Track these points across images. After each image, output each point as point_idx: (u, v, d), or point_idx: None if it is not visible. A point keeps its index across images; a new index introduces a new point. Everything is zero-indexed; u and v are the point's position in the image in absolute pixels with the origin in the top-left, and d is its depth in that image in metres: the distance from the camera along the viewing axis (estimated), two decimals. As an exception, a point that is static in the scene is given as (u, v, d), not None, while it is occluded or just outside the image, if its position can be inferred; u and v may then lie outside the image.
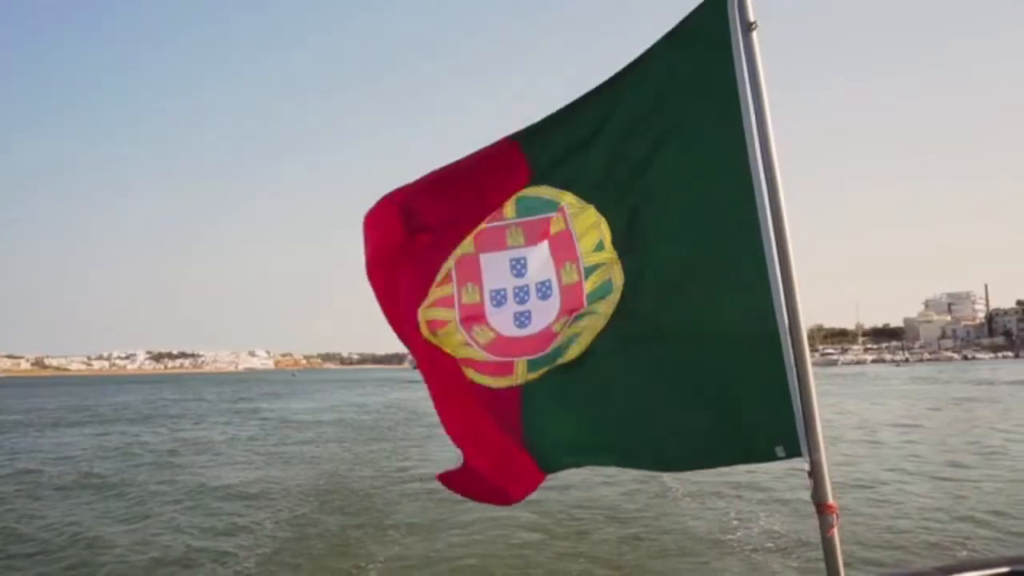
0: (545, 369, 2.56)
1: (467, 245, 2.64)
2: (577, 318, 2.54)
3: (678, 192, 2.43)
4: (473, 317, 2.61)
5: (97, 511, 12.73)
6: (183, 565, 9.18)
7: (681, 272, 2.43)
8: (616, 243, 2.54)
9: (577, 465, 2.63)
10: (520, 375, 2.58)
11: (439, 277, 2.65)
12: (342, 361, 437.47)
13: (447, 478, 2.68)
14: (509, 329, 2.60)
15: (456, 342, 2.64)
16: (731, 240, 2.30)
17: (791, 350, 2.18)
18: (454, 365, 2.66)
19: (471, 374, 2.64)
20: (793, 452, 2.21)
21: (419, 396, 47.78)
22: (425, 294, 2.65)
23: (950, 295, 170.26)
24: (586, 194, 2.58)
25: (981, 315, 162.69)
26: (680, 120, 2.42)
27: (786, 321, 2.19)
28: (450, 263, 2.66)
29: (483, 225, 2.65)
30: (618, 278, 2.53)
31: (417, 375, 2.68)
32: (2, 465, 19.09)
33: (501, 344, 2.60)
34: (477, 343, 2.60)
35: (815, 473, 2.14)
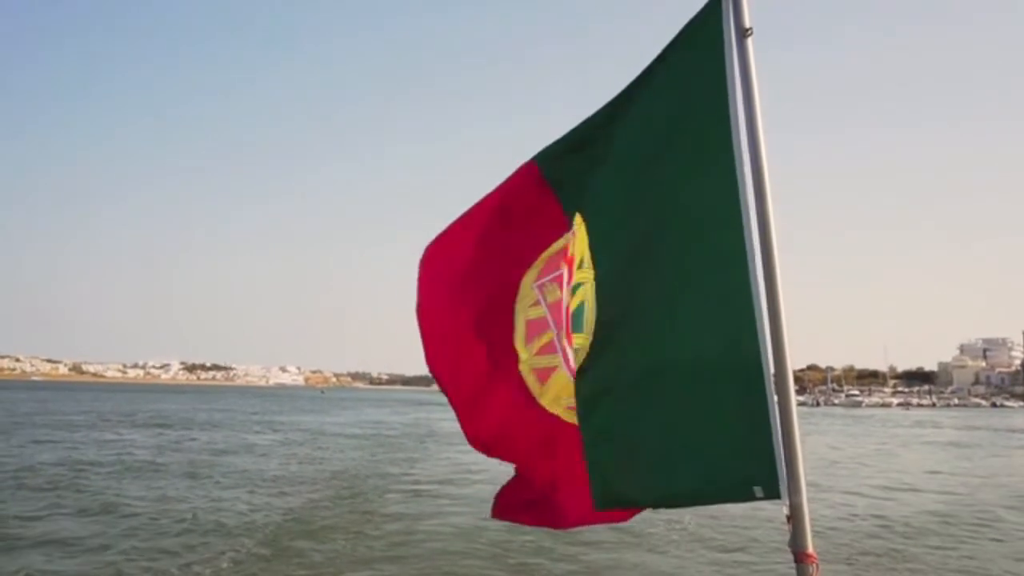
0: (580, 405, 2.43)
1: (554, 291, 2.49)
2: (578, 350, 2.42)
3: (666, 210, 2.34)
4: (567, 361, 2.49)
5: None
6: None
7: (663, 299, 2.32)
8: (594, 261, 2.44)
9: (622, 507, 2.47)
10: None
11: (520, 328, 2.52)
12: (371, 381, 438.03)
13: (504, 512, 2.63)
14: (572, 361, 2.46)
15: (570, 391, 2.47)
16: (716, 268, 2.20)
17: (774, 388, 2.06)
18: (545, 415, 2.52)
19: (570, 417, 2.48)
20: (772, 494, 2.08)
21: (439, 416, 48.95)
22: (508, 338, 2.53)
23: (986, 340, 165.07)
24: (584, 211, 2.48)
25: (1018, 362, 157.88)
26: (673, 134, 2.33)
27: (771, 358, 2.07)
28: (531, 312, 2.52)
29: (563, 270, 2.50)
30: (591, 300, 2.43)
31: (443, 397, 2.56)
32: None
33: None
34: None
35: (794, 518, 2.01)
